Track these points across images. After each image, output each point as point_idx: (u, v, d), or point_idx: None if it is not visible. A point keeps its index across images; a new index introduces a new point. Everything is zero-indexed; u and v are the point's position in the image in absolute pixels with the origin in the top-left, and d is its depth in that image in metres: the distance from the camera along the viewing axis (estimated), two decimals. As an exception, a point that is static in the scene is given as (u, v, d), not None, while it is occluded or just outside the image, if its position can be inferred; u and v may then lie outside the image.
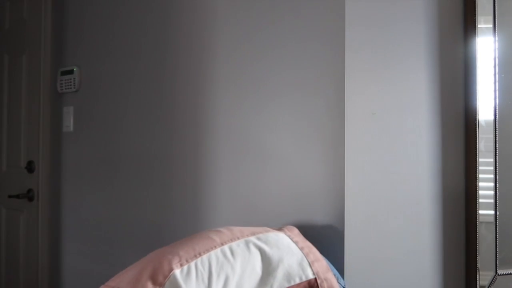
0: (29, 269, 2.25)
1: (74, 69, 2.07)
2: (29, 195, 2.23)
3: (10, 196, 2.24)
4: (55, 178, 2.18)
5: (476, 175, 1.30)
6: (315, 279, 0.87)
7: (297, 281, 0.85)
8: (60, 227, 2.15)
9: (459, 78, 1.35)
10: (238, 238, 0.89)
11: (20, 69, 2.34)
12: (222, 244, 0.86)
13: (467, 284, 1.32)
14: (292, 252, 0.90)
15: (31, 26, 2.28)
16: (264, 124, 1.45)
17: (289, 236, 0.97)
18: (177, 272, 0.77)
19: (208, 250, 0.83)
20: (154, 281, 0.75)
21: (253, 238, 0.90)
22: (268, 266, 0.85)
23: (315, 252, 0.92)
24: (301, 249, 0.92)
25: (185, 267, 0.78)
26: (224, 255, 0.84)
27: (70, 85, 2.07)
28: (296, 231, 1.01)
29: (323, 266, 0.90)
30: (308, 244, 0.95)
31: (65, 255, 2.13)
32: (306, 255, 0.91)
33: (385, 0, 1.32)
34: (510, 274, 1.32)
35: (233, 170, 1.52)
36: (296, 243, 0.95)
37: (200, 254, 0.81)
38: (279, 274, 0.85)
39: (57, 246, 2.17)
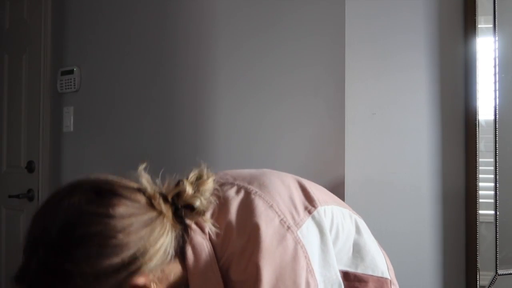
0: (29, 269, 2.24)
1: (74, 69, 2.06)
2: (29, 195, 2.23)
3: (10, 196, 2.24)
4: (55, 178, 2.18)
5: (476, 175, 1.30)
6: (390, 281, 0.92)
7: (378, 274, 0.90)
8: (60, 227, 2.15)
9: (459, 78, 1.35)
10: (345, 207, 0.93)
11: (20, 69, 2.34)
12: (337, 204, 0.91)
13: (467, 284, 1.32)
14: (376, 246, 0.95)
15: (31, 26, 2.27)
16: (265, 125, 1.45)
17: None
18: (320, 208, 0.82)
19: (331, 203, 0.87)
20: (305, 207, 0.81)
21: (354, 214, 0.94)
22: (359, 247, 0.90)
23: (387, 258, 0.98)
24: (381, 249, 0.98)
25: (322, 208, 0.83)
26: (342, 214, 0.89)
27: (70, 85, 2.07)
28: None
29: (393, 273, 0.96)
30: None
31: (65, 255, 2.13)
32: (384, 256, 0.96)
33: (385, 1, 1.32)
34: (510, 274, 1.32)
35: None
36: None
37: (327, 203, 0.85)
38: (367, 260, 0.90)
39: (57, 246, 2.16)
